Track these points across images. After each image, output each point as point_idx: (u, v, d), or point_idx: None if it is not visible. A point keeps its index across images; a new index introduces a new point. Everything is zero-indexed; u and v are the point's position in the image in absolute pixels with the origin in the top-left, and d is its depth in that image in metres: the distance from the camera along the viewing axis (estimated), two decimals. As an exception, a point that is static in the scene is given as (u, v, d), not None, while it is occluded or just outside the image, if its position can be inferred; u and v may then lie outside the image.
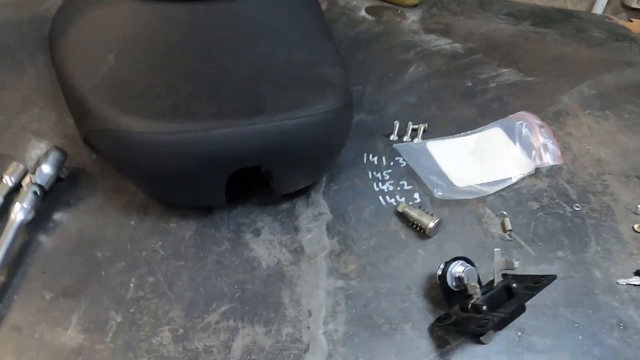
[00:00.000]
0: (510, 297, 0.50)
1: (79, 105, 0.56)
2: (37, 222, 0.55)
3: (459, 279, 0.51)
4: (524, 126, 0.67)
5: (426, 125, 0.69)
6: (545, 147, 0.66)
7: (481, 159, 0.66)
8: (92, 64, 0.58)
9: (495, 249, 0.50)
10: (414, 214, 0.58)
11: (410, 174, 0.65)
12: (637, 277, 0.56)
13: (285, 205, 0.60)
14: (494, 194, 0.63)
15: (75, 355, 0.46)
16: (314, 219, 0.59)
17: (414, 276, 0.55)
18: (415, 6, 0.98)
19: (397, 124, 0.68)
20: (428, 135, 0.69)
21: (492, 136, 0.69)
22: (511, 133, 0.68)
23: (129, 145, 0.51)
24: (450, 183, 0.63)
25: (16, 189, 0.56)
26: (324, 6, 0.94)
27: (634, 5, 1.26)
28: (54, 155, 0.57)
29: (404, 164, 0.66)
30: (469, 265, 0.52)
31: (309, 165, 0.57)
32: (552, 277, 0.49)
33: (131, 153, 0.51)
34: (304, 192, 0.61)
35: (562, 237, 0.60)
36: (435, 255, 0.57)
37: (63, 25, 0.68)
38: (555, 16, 1.02)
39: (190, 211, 0.58)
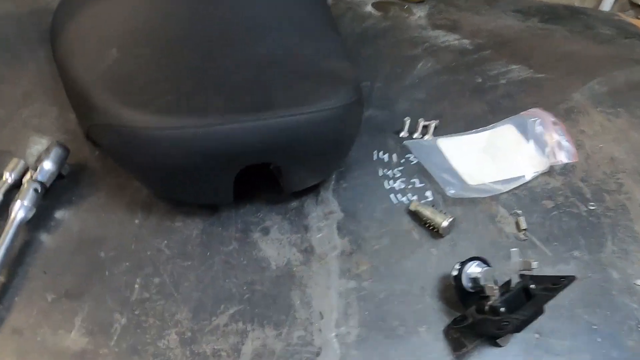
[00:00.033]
0: (528, 299, 0.48)
1: (81, 99, 0.55)
2: (38, 220, 0.54)
3: (474, 280, 0.50)
4: (537, 123, 0.66)
5: (437, 121, 0.67)
6: (559, 144, 0.65)
7: (493, 157, 0.65)
8: (95, 58, 0.57)
9: (512, 249, 0.49)
10: (427, 212, 0.56)
11: (422, 172, 0.63)
12: (656, 277, 0.55)
13: (294, 204, 0.58)
14: (507, 192, 0.62)
15: (79, 359, 0.45)
16: (324, 217, 0.57)
17: (428, 277, 0.53)
18: (421, 2, 0.96)
19: (407, 121, 0.67)
20: (438, 132, 0.68)
21: (504, 133, 0.68)
22: (524, 130, 0.67)
23: (133, 141, 0.49)
24: (462, 181, 0.62)
25: (16, 186, 0.54)
26: (330, 0, 0.92)
27: (641, 2, 1.25)
28: (55, 151, 0.55)
29: (415, 161, 0.64)
30: (485, 265, 0.50)
31: (319, 162, 0.55)
32: (571, 278, 0.48)
33: (136, 149, 0.49)
34: (313, 189, 0.60)
35: (577, 236, 0.59)
36: (449, 255, 0.55)
37: (65, 19, 0.66)
38: (563, 13, 1.01)
39: (196, 209, 0.57)
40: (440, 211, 0.57)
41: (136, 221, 0.55)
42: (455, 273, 0.50)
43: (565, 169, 0.66)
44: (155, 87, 0.52)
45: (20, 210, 0.51)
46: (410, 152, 0.65)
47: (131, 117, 0.49)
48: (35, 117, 0.65)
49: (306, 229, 0.56)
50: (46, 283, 0.50)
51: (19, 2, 0.83)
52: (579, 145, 0.70)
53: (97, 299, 0.49)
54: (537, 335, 0.50)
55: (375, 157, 0.65)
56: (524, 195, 0.62)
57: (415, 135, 0.67)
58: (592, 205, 0.62)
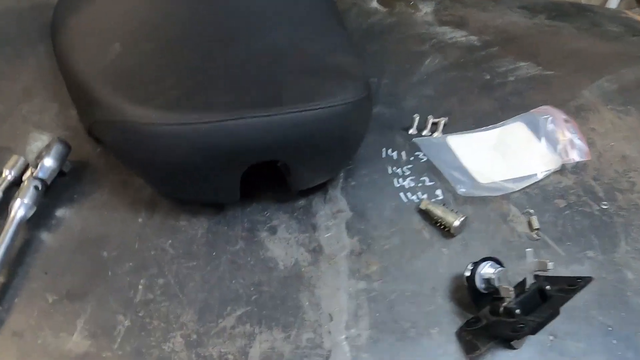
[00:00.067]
0: (543, 300, 0.47)
1: (83, 95, 0.54)
2: (39, 219, 0.53)
3: (488, 281, 0.48)
4: (549, 121, 0.65)
5: (447, 119, 0.66)
6: (572, 142, 0.63)
7: (504, 154, 0.64)
8: (97, 53, 0.56)
9: (527, 249, 0.48)
10: (438, 211, 0.55)
11: (431, 170, 0.62)
12: (672, 278, 0.54)
13: (301, 202, 0.57)
14: (518, 191, 0.61)
15: (81, 362, 0.44)
16: (332, 216, 0.56)
17: (439, 277, 0.52)
18: (427, -2, 0.95)
19: (416, 118, 0.65)
20: (447, 129, 0.67)
21: (515, 131, 0.66)
22: (534, 128, 0.65)
23: (137, 137, 0.48)
24: (473, 179, 0.60)
25: (16, 183, 0.53)
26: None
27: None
28: (56, 148, 0.54)
29: (425, 159, 0.63)
30: (498, 266, 0.49)
31: (327, 159, 0.54)
32: (587, 279, 0.47)
33: (140, 145, 0.48)
34: (321, 188, 0.58)
35: (591, 236, 0.57)
36: (460, 255, 0.54)
37: (66, 13, 0.65)
38: (570, 10, 1.00)
39: (201, 208, 0.55)
40: (452, 210, 0.56)
41: (140, 220, 0.54)
42: (468, 274, 0.49)
43: (577, 168, 0.65)
44: (160, 82, 0.50)
45: (20, 208, 0.50)
46: (420, 150, 0.64)
47: (135, 113, 0.48)
48: (35, 113, 0.64)
49: (314, 228, 0.55)
50: (47, 283, 0.49)
51: (20, -3, 0.82)
52: (590, 144, 0.69)
53: (99, 300, 0.48)
54: (551, 337, 0.48)
55: (384, 154, 0.64)
56: (536, 194, 0.61)
57: (424, 133, 0.66)
58: (605, 205, 0.61)
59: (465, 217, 0.55)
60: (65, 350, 0.44)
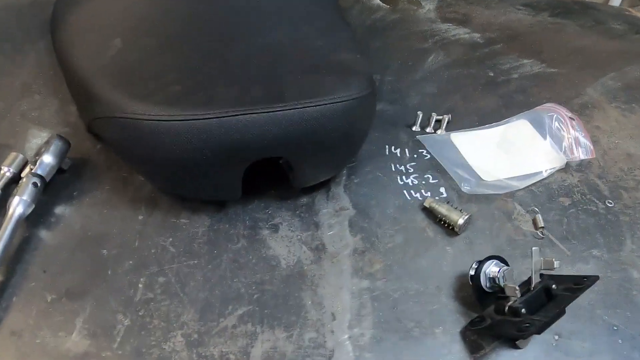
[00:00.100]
0: (549, 299, 0.46)
1: (83, 91, 0.53)
2: (38, 216, 0.52)
3: (493, 280, 0.48)
4: (554, 119, 0.64)
5: (450, 116, 0.65)
6: (576, 140, 0.63)
7: (508, 152, 0.63)
8: (98, 48, 0.55)
9: (533, 248, 0.47)
10: (443, 209, 0.55)
11: (435, 167, 0.61)
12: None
13: (304, 200, 0.57)
14: (523, 189, 0.60)
15: (81, 362, 0.43)
16: (335, 214, 0.55)
17: (444, 276, 0.51)
18: (430, -5, 0.94)
19: (420, 115, 0.65)
20: (451, 126, 0.66)
21: (519, 128, 0.66)
22: (539, 125, 0.65)
23: (138, 133, 0.47)
24: (477, 177, 0.60)
25: (15, 180, 0.53)
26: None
27: (651, -2, 1.23)
28: (56, 145, 0.54)
29: (428, 156, 0.62)
30: (503, 264, 0.49)
31: (331, 155, 0.53)
32: (594, 278, 0.46)
33: (141, 141, 0.47)
34: (324, 185, 0.58)
35: (596, 234, 0.57)
36: (465, 254, 0.53)
37: (65, 9, 0.65)
38: (573, 7, 0.99)
39: (202, 205, 0.55)
40: (456, 208, 0.55)
41: (140, 217, 0.53)
42: (472, 272, 0.48)
43: (582, 166, 0.64)
44: (160, 78, 0.50)
45: (18, 205, 0.49)
46: (423, 147, 0.63)
47: (137, 109, 0.47)
48: (34, 109, 0.64)
49: (317, 226, 0.54)
50: (46, 282, 0.48)
51: (19, -7, 0.82)
52: (594, 141, 0.68)
53: (99, 299, 0.47)
54: (556, 337, 0.48)
55: (387, 151, 0.63)
56: (540, 192, 0.60)
57: (427, 130, 0.65)
58: (610, 203, 0.60)
59: (470, 215, 0.55)
60: (64, 350, 0.43)
